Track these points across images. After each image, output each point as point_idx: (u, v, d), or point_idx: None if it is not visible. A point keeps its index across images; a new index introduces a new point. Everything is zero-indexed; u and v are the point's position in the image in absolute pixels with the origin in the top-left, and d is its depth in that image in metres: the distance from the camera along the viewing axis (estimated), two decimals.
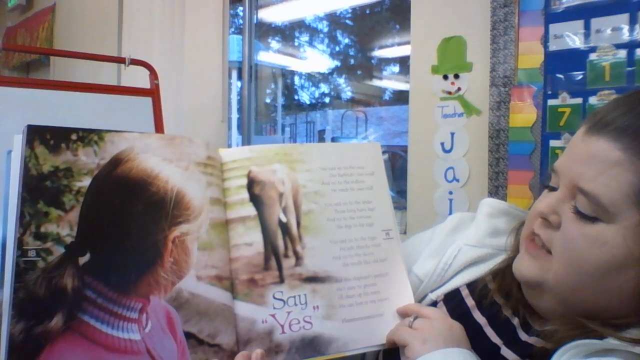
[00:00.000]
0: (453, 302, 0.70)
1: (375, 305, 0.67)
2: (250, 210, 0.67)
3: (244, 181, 0.67)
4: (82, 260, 0.56)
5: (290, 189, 0.69)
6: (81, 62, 2.73)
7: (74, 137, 0.59)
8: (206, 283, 0.61)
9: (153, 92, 1.93)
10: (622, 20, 1.30)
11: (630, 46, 1.28)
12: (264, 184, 0.68)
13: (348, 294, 0.67)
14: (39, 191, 0.56)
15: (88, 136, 0.60)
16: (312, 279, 0.66)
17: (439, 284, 0.73)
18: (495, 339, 0.63)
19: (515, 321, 0.64)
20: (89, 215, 0.57)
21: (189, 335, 0.59)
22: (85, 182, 0.58)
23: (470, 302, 0.69)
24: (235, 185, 0.67)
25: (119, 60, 2.09)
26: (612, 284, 0.55)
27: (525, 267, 0.61)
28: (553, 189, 0.61)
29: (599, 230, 0.54)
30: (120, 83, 2.53)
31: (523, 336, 0.62)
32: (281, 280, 0.65)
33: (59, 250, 0.55)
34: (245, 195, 0.67)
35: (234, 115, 2.68)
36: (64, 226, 0.56)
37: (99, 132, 0.60)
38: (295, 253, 0.66)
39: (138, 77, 2.04)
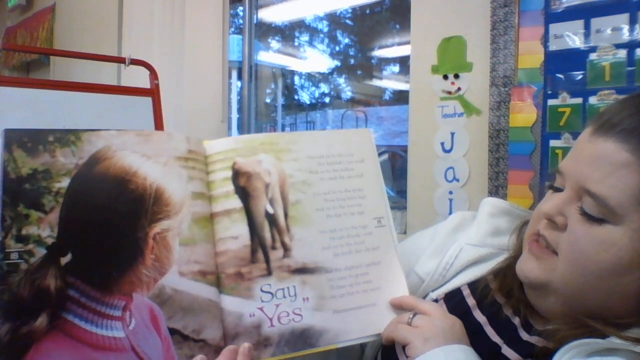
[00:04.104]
0: (454, 301, 0.70)
1: (367, 295, 0.66)
2: (235, 202, 0.65)
3: (229, 173, 0.66)
4: (64, 260, 0.56)
5: (276, 180, 0.67)
6: (81, 62, 2.73)
7: (51, 138, 0.59)
8: (189, 279, 0.61)
9: (153, 92, 1.93)
10: (622, 20, 1.30)
11: (630, 46, 1.28)
12: (249, 175, 0.66)
13: (339, 284, 0.65)
14: (19, 194, 0.57)
15: (65, 137, 0.60)
16: (301, 270, 0.65)
17: (441, 284, 0.73)
18: (495, 338, 0.63)
19: (516, 320, 0.64)
20: (69, 216, 0.57)
21: (173, 332, 0.59)
22: (64, 182, 0.58)
23: (471, 301, 0.69)
24: (220, 178, 0.66)
25: (119, 60, 2.09)
26: (618, 285, 0.55)
27: (529, 268, 0.61)
28: (558, 190, 0.60)
29: (606, 232, 0.54)
30: (120, 83, 2.53)
31: (524, 336, 0.62)
32: (269, 272, 0.64)
33: (40, 252, 0.56)
34: (230, 187, 0.66)
35: (234, 115, 2.68)
36: (44, 228, 0.56)
37: (75, 132, 0.60)
38: (283, 244, 0.65)
39: (138, 77, 2.04)
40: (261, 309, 0.62)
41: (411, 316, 0.62)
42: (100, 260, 0.57)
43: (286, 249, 0.65)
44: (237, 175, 0.66)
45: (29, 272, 0.55)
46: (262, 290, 0.63)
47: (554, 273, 0.58)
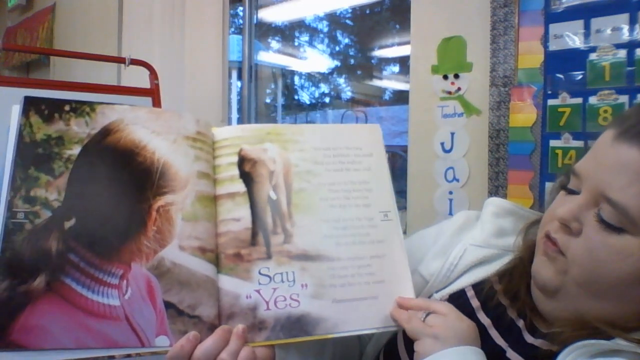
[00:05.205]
0: (458, 303, 0.68)
1: (369, 287, 0.65)
2: (239, 186, 0.66)
3: (235, 159, 0.67)
4: (68, 224, 0.58)
5: (281, 168, 0.68)
6: (81, 62, 2.73)
7: (67, 108, 0.62)
8: (189, 253, 0.61)
9: (153, 92, 1.93)
10: (622, 20, 1.30)
11: (630, 46, 1.28)
12: (254, 162, 0.67)
13: (340, 274, 0.65)
14: (31, 158, 0.59)
15: (80, 107, 0.63)
16: (302, 257, 0.65)
17: (445, 285, 0.72)
18: (499, 340, 0.62)
19: (521, 323, 0.63)
20: (77, 182, 0.60)
21: (169, 305, 0.59)
22: (76, 150, 0.61)
23: (475, 302, 0.68)
24: (225, 163, 0.67)
25: (119, 60, 2.09)
26: (630, 294, 0.54)
27: (544, 272, 0.59)
28: (572, 192, 0.59)
29: (624, 241, 0.53)
30: (120, 83, 2.53)
31: (529, 338, 0.61)
32: (268, 256, 0.64)
33: (46, 214, 0.58)
34: (235, 172, 0.67)
35: (234, 115, 2.68)
36: (52, 191, 0.59)
37: (91, 104, 0.63)
38: (285, 230, 0.65)
39: (138, 77, 2.04)
40: (258, 291, 0.62)
41: (425, 313, 0.61)
42: (103, 227, 0.59)
43: (287, 234, 0.65)
44: (243, 161, 0.68)
45: (33, 232, 0.57)
46: (260, 273, 0.63)
47: (566, 276, 0.57)
